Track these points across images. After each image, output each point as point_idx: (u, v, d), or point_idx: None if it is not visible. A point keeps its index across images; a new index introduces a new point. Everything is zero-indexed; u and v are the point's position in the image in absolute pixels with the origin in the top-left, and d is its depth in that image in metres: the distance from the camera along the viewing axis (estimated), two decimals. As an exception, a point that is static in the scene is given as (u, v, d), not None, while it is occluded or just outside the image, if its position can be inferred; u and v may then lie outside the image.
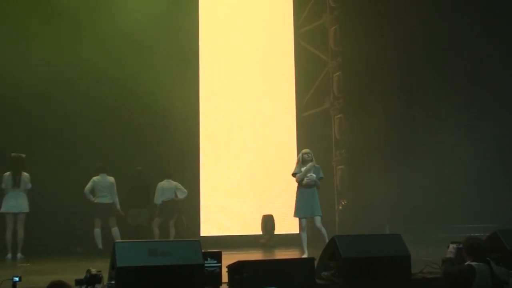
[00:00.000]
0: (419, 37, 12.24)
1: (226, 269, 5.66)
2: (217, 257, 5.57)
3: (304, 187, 8.93)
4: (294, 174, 9.08)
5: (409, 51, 12.23)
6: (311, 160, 9.02)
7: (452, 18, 11.96)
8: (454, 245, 5.86)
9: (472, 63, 12.21)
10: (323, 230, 8.80)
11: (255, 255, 9.99)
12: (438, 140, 11.94)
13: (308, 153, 9.07)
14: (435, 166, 11.68)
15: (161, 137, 11.71)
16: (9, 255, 9.45)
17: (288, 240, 11.98)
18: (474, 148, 11.90)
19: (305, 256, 8.52)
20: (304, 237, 8.89)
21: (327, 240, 8.76)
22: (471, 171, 11.98)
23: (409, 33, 12.18)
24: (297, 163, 9.11)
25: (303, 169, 8.93)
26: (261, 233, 12.08)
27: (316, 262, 5.93)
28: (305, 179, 8.88)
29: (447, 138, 12.05)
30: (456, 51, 12.19)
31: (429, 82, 12.23)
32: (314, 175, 8.90)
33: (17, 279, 4.78)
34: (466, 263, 5.16)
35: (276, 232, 12.02)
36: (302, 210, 8.92)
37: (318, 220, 8.87)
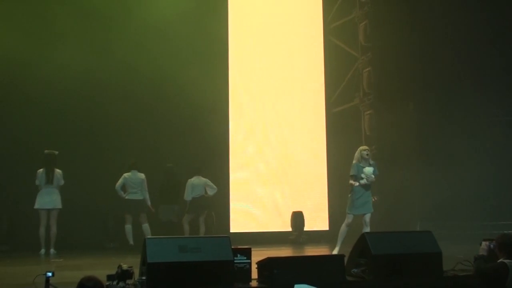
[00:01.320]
0: (451, 32, 12.05)
1: (256, 266, 5.67)
2: (247, 253, 5.58)
3: (362, 186, 8.77)
4: (353, 176, 8.82)
5: (441, 46, 12.06)
6: (369, 158, 8.90)
7: (488, 12, 11.75)
8: (487, 242, 5.76)
9: (508, 58, 11.98)
10: (369, 228, 8.69)
11: (284, 252, 9.98)
12: (471, 136, 11.78)
13: (367, 149, 8.94)
14: (467, 163, 11.51)
15: (191, 134, 11.75)
16: (43, 251, 9.63)
17: (317, 237, 11.96)
18: (508, 144, 11.70)
19: (336, 250, 8.54)
20: (345, 231, 8.81)
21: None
22: (504, 167, 11.78)
23: (441, 28, 12.01)
24: (355, 160, 8.90)
25: (365, 169, 8.72)
26: (290, 229, 12.06)
27: (346, 259, 5.90)
28: (364, 179, 8.71)
29: (479, 134, 11.88)
30: (490, 46, 11.95)
31: (462, 78, 12.05)
32: (373, 176, 8.75)
33: (50, 274, 4.85)
34: (499, 261, 5.09)
35: (305, 228, 11.99)
36: (359, 207, 8.79)
37: (368, 216, 8.80)
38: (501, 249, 5.15)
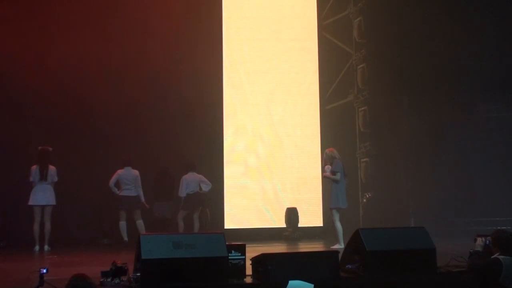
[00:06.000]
0: (446, 27, 12.05)
1: (250, 262, 5.67)
2: (241, 249, 5.58)
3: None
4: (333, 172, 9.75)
5: (436, 42, 12.07)
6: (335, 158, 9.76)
7: (482, 8, 11.77)
8: (482, 238, 5.79)
9: (502, 55, 12.00)
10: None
11: (279, 248, 10.00)
12: (464, 132, 11.81)
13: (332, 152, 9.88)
14: (462, 159, 11.55)
15: (186, 131, 11.73)
16: (37, 247, 9.60)
17: (312, 233, 11.96)
18: (502, 140, 11.74)
19: (336, 247, 8.77)
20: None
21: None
22: (497, 163, 11.82)
23: (435, 24, 12.01)
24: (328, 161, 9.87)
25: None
26: (285, 226, 12.06)
27: (340, 255, 5.91)
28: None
29: (473, 130, 11.90)
30: (485, 42, 11.96)
31: (456, 74, 12.06)
32: (339, 175, 9.65)
33: (44, 270, 4.84)
34: (493, 256, 5.11)
35: (300, 225, 11.99)
36: (335, 201, 9.71)
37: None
38: (495, 245, 5.18)
